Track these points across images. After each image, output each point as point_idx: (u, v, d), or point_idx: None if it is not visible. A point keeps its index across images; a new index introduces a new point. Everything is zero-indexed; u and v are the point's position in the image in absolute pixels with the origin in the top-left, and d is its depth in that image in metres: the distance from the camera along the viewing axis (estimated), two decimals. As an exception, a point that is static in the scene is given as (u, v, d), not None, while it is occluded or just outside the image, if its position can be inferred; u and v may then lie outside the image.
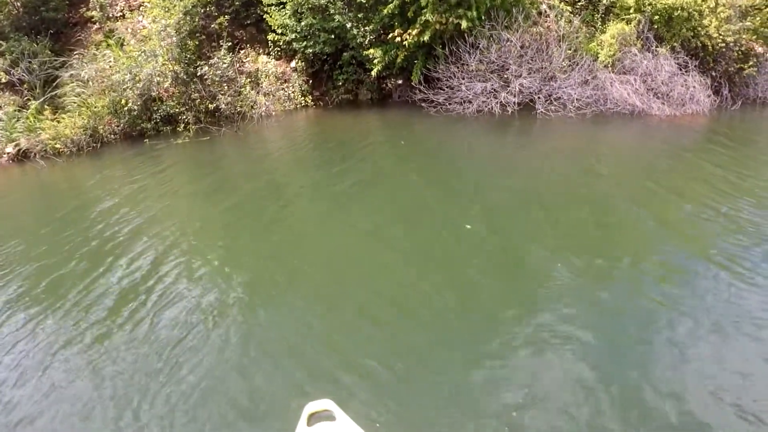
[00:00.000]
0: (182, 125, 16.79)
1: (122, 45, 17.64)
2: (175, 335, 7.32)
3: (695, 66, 16.51)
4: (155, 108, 16.77)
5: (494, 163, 14.00)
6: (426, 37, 16.29)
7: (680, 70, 16.47)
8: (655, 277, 8.14)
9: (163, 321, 7.67)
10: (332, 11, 17.36)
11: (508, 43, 16.98)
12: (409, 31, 16.53)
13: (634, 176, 12.42)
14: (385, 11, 16.35)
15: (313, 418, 4.82)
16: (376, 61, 17.34)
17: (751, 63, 16.45)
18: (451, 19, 16.14)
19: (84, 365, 6.88)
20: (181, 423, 5.82)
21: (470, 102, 17.22)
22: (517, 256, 8.99)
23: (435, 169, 13.31)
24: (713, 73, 16.46)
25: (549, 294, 7.77)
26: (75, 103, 16.38)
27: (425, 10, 15.84)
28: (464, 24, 16.09)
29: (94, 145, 16.02)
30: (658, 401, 5.79)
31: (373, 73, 17.58)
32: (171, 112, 16.81)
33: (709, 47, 16.29)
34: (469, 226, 8.75)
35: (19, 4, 18.33)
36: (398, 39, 16.70)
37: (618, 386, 6.01)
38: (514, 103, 16.94)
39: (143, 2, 19.24)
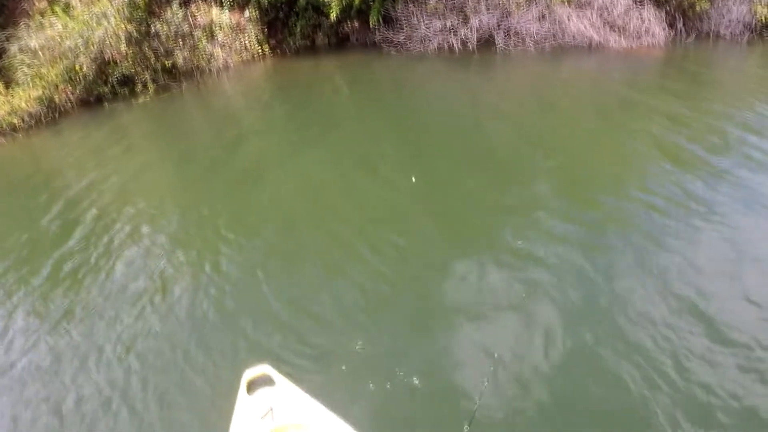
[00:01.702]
0: (140, 86, 16.57)
1: (69, 10, 17.00)
2: (130, 293, 7.61)
3: (650, 0, 16.36)
4: (110, 71, 16.46)
5: (454, 99, 14.10)
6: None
7: (635, 3, 16.28)
8: (604, 209, 8.34)
9: (119, 279, 7.95)
10: (284, -44, 16.79)
11: (465, -21, 16.64)
12: (364, -28, 16.14)
13: (591, 108, 12.72)
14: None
15: (253, 385, 4.76)
16: (333, 5, 16.96)
17: (704, -3, 16.30)
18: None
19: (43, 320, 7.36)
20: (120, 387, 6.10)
21: (430, 40, 17.08)
22: (470, 198, 8.97)
23: (395, 111, 13.49)
24: (668, 7, 16.22)
25: (504, 231, 7.90)
26: (27, 74, 16.03)
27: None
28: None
29: (52, 115, 15.87)
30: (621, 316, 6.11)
31: (332, 17, 17.22)
32: (127, 73, 16.53)
33: (665, -21, 16.10)
34: (414, 179, 8.75)
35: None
36: (353, -20, 16.31)
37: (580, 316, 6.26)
38: (474, 39, 16.81)
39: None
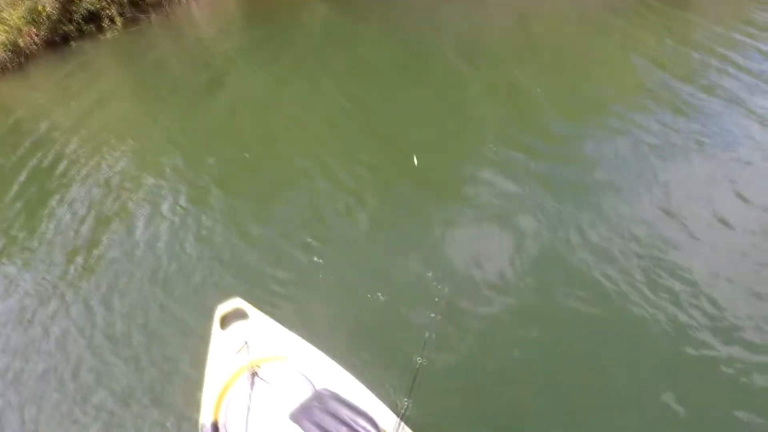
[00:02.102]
0: (106, 21, 15.76)
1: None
2: (94, 227, 7.59)
3: None
4: (74, 8, 15.71)
5: (440, 20, 12.60)
6: None
7: None
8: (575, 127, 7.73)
9: (85, 214, 7.91)
10: None
11: None
12: None
13: (568, 24, 11.18)
14: None
15: (226, 320, 4.56)
16: None
17: None
18: None
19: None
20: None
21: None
22: (433, 115, 8.52)
23: (379, 35, 12.31)
24: None
25: (473, 146, 7.57)
26: (-13, 20, 15.42)
27: None
28: None
29: (18, 60, 15.31)
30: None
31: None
32: (91, 9, 15.74)
33: None
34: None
35: None
36: None
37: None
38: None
39: None
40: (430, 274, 5.46)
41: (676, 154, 6.68)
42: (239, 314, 4.56)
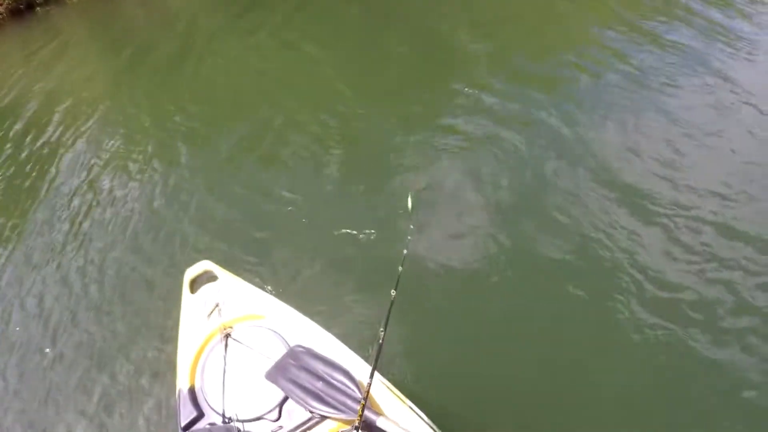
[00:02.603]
0: (73, -18, 15.30)
1: None
2: (65, 195, 7.49)
3: None
4: (36, -29, 15.21)
5: None
6: None
7: None
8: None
9: (58, 181, 7.82)
10: None
11: None
12: None
13: None
14: None
15: (196, 284, 4.46)
16: None
17: None
18: None
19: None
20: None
21: None
22: (409, 69, 8.50)
23: None
24: None
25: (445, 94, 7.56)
26: (-54, -12, 14.97)
27: None
28: None
29: (-17, 30, 14.84)
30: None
31: None
32: (54, -30, 15.24)
33: None
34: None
35: None
36: None
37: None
38: None
39: None
40: (401, 212, 5.49)
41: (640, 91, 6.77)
42: (208, 276, 4.50)
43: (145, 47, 11.67)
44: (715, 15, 8.04)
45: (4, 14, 15.14)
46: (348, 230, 5.52)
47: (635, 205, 5.15)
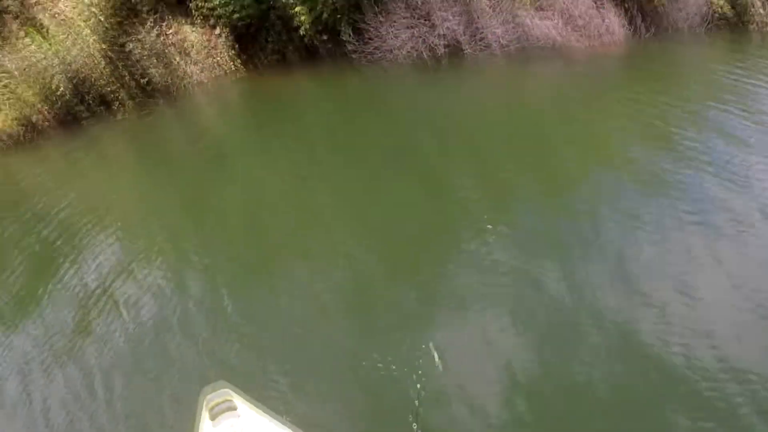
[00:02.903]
0: (116, 103, 16.83)
1: (43, 31, 17.32)
2: (92, 305, 7.84)
3: (609, -1, 17.04)
4: (86, 90, 16.71)
5: (424, 106, 14.47)
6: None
7: (595, 3, 16.91)
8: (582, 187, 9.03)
9: (83, 291, 8.20)
10: (254, -27, 17.25)
11: (430, -12, 17.20)
12: (335, -16, 16.66)
13: (555, 105, 13.15)
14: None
15: (214, 412, 4.63)
16: (303, 18, 17.39)
17: (661, -7, 17.00)
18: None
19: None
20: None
21: (399, 49, 17.48)
22: (432, 199, 9.52)
23: (364, 121, 13.76)
24: (626, 5, 16.96)
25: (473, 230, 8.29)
26: (3, 95, 16.22)
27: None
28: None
29: (31, 135, 16.07)
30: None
31: (302, 31, 17.64)
32: (103, 91, 16.78)
33: (622, -22, 16.79)
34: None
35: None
36: (323, -6, 16.81)
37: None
38: (443, 45, 17.28)
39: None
40: (420, 351, 5.94)
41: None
42: (229, 406, 4.60)
43: (175, 166, 12.98)
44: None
45: (51, 122, 16.42)
46: (367, 363, 5.81)
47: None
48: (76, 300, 8.15)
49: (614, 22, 16.66)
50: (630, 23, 16.83)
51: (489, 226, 8.10)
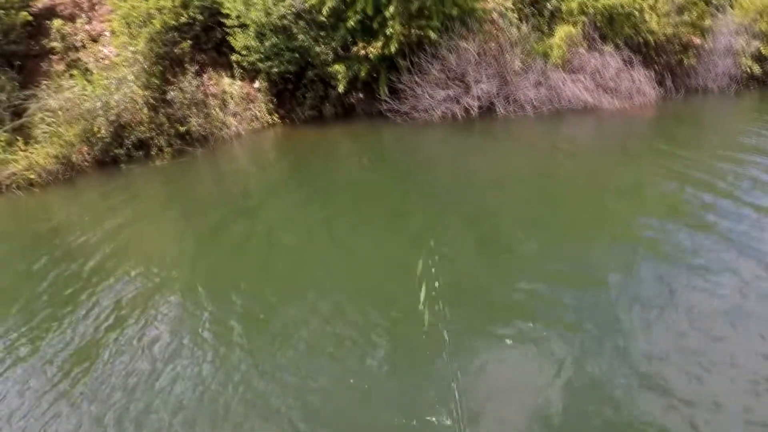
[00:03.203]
0: (155, 149, 16.95)
1: (87, 74, 17.76)
2: (119, 364, 7.41)
3: (639, 61, 17.74)
4: (126, 134, 16.87)
5: (458, 166, 14.68)
6: (392, 49, 17.00)
7: (626, 65, 17.66)
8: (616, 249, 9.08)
9: (123, 361, 7.59)
10: (295, 31, 17.92)
11: (466, 51, 17.87)
12: (373, 44, 17.24)
13: (586, 168, 13.42)
14: (348, 25, 17.03)
15: None
16: (340, 76, 17.93)
17: (690, 54, 17.78)
18: (414, 31, 16.98)
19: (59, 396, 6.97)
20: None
21: (434, 109, 17.97)
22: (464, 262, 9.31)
23: (402, 178, 13.87)
24: (656, 66, 17.75)
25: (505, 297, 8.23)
26: (46, 133, 16.36)
27: (391, 22, 16.58)
28: (432, 35, 17.10)
29: (69, 173, 16.02)
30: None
31: (339, 89, 18.14)
32: (142, 137, 16.94)
33: (651, 42, 17.55)
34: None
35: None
36: (362, 52, 17.38)
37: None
38: (476, 106, 17.78)
39: (102, 32, 19.45)
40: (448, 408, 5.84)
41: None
42: None
43: (211, 214, 12.67)
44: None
45: (90, 162, 16.47)
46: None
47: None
48: (89, 343, 7.93)
49: (645, 84, 17.31)
50: (660, 84, 17.47)
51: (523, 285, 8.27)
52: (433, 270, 8.63)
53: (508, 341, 7.01)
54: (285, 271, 9.59)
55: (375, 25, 16.98)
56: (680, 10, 17.63)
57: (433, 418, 5.72)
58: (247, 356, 7.27)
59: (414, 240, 10.00)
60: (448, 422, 5.64)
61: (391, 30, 16.74)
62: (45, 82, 17.40)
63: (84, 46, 19.06)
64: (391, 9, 16.59)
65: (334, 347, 7.25)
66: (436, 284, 8.20)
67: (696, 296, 7.60)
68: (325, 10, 17.03)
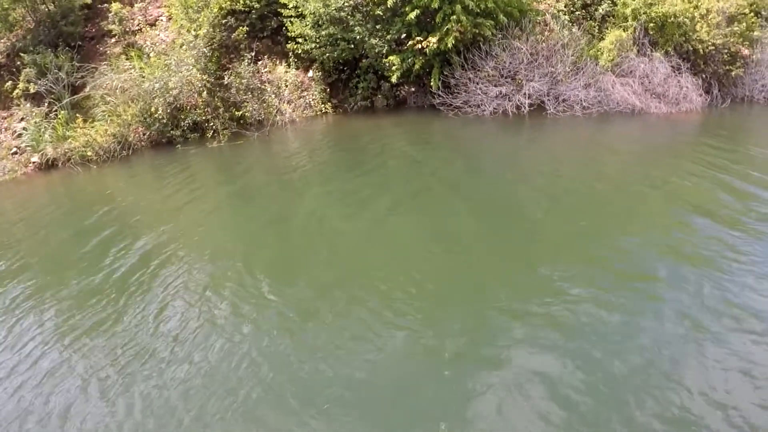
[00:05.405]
0: (211, 132, 17.04)
1: (143, 57, 17.84)
2: (164, 341, 7.50)
3: (687, 68, 17.98)
4: (183, 117, 16.97)
5: (510, 158, 14.91)
6: (449, 44, 17.19)
7: (674, 72, 17.93)
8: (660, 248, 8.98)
9: (171, 326, 7.81)
10: (352, 23, 18.10)
11: (518, 50, 18.12)
12: (429, 38, 17.43)
13: (635, 167, 13.47)
14: (407, 19, 17.21)
15: None
16: (394, 68, 18.07)
17: (738, 64, 18.04)
18: (470, 28, 17.20)
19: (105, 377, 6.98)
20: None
21: (486, 104, 18.14)
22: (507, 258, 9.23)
23: (447, 172, 13.84)
24: (704, 75, 17.99)
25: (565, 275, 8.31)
26: (104, 111, 16.45)
27: (454, 17, 16.78)
28: (488, 32, 17.30)
29: (125, 152, 16.15)
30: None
31: (393, 80, 18.30)
32: (198, 120, 17.04)
33: (700, 50, 17.82)
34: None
35: (31, 18, 18.34)
36: (418, 47, 17.55)
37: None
38: (527, 104, 17.99)
39: (159, 17, 19.56)
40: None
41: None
42: None
43: (262, 197, 12.92)
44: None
45: (146, 142, 16.58)
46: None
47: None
48: (141, 323, 8.00)
49: (692, 91, 17.59)
50: (707, 92, 17.79)
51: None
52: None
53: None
54: (340, 258, 9.50)
55: (438, 19, 17.14)
56: (730, 21, 18.04)
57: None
58: (296, 341, 7.24)
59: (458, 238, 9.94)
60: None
61: (454, 24, 16.92)
62: (103, 63, 17.48)
63: (140, 30, 19.16)
64: (460, 5, 16.85)
65: (375, 337, 7.17)
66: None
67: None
68: (390, 2, 17.08)
